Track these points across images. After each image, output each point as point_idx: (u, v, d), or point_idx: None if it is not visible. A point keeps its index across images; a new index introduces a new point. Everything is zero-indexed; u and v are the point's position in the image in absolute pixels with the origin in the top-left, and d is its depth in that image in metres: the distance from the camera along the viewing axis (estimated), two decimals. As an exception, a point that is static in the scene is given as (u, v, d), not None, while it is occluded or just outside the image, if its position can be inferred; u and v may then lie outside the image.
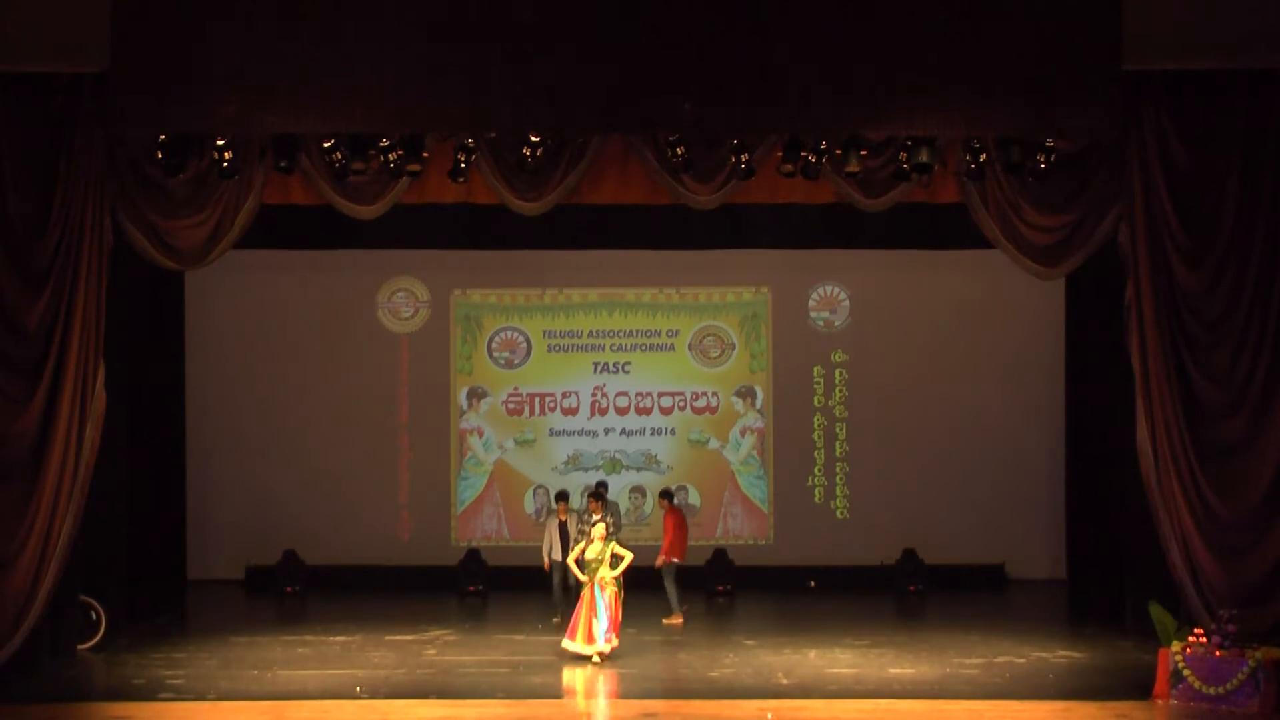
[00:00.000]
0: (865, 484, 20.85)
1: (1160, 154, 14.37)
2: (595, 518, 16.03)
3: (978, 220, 14.98)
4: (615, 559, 15.28)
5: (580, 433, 20.93)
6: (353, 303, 20.86)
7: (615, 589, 15.19)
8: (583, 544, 15.53)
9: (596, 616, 15.00)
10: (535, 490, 20.82)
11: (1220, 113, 14.33)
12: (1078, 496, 19.79)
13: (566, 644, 15.17)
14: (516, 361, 20.96)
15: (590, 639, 15.01)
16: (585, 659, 14.98)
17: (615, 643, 15.12)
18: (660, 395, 20.91)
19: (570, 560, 15.85)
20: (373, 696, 13.92)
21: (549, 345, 20.96)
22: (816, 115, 14.03)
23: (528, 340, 20.95)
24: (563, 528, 17.55)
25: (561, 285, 20.93)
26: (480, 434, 20.94)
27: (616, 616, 15.16)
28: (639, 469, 20.85)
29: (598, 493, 17.91)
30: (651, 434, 20.91)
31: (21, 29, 14.01)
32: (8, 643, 14.02)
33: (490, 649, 16.11)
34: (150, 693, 14.06)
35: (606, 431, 20.92)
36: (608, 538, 15.34)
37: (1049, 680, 14.57)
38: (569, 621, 15.38)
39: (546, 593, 17.74)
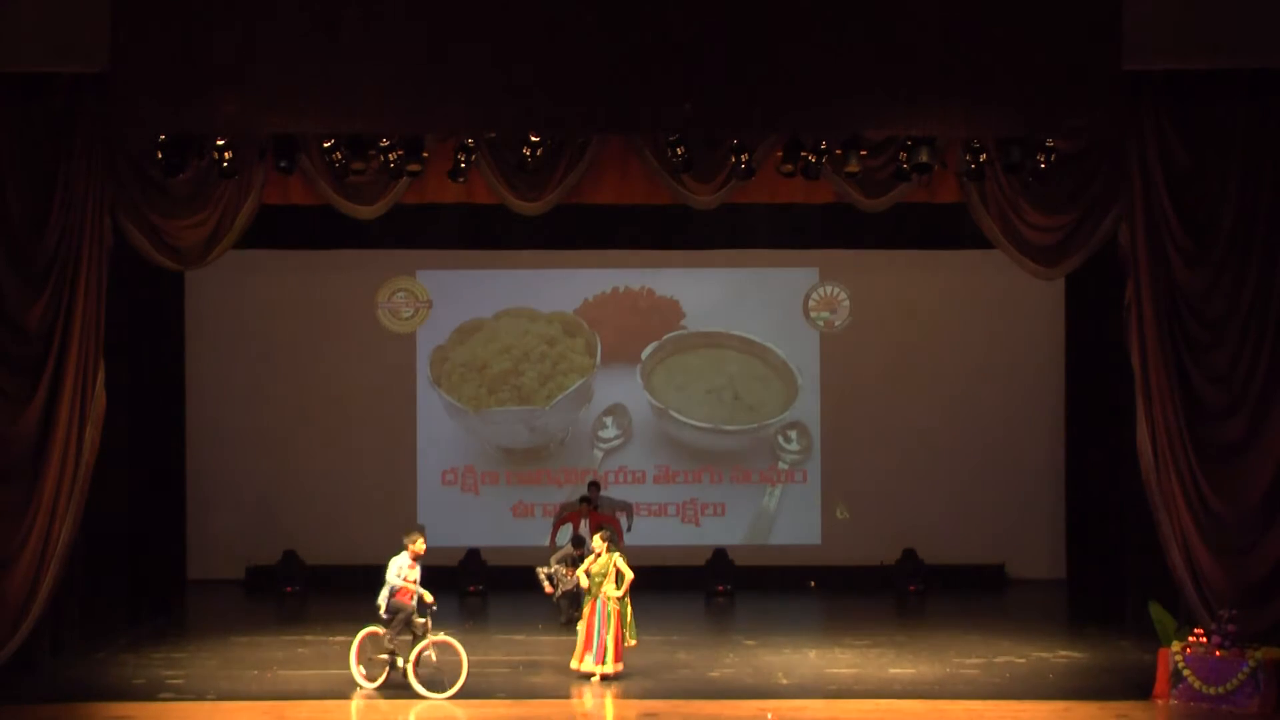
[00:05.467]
0: (865, 484, 20.84)
1: (1160, 154, 14.37)
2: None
3: (978, 220, 14.98)
4: (619, 576, 14.50)
5: (580, 433, 20.98)
6: (353, 303, 20.85)
7: (616, 607, 14.48)
8: (590, 558, 14.74)
9: (596, 635, 14.43)
10: (535, 490, 20.86)
11: (1220, 113, 14.33)
12: (1078, 496, 19.81)
13: (574, 664, 14.56)
14: (516, 361, 21.01)
15: (598, 659, 14.42)
16: (588, 677, 14.48)
17: (618, 667, 14.46)
18: (660, 395, 20.96)
19: (579, 572, 14.89)
20: (373, 696, 13.93)
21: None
22: (816, 115, 14.04)
23: (528, 340, 21.01)
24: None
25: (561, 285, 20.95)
26: (480, 434, 20.98)
27: (616, 638, 14.45)
28: (639, 469, 20.90)
29: (588, 497, 17.96)
30: (651, 434, 20.96)
31: (21, 29, 14.01)
32: (8, 643, 14.02)
33: (490, 649, 16.10)
34: (150, 693, 14.07)
35: (607, 431, 20.99)
36: (610, 550, 14.63)
37: (1049, 680, 14.58)
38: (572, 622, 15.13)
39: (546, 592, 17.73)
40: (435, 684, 13.95)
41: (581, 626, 14.67)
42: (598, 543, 14.68)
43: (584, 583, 14.70)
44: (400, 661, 14.12)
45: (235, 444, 20.60)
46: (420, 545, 14.27)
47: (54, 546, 14.17)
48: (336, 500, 20.61)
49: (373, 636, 14.36)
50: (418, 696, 13.86)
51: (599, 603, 14.50)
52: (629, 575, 14.53)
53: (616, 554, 14.64)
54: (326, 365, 20.76)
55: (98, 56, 13.86)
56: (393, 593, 14.18)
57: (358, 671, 14.28)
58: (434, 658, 14.08)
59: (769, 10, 13.83)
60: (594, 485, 18.58)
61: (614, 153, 15.10)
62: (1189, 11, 14.07)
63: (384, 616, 14.23)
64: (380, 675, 14.21)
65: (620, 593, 14.49)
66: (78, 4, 13.96)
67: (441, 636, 14.17)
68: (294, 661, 15.43)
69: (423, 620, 14.15)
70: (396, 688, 14.06)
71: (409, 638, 14.16)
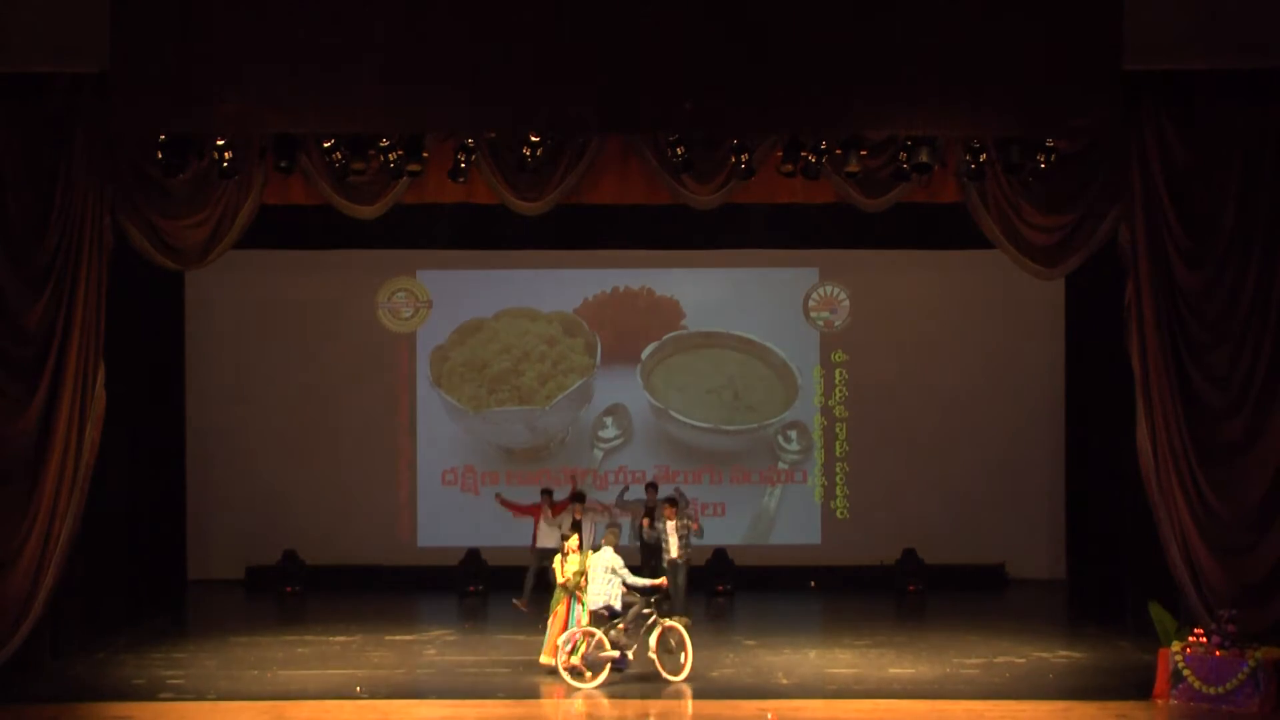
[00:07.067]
0: (865, 484, 20.85)
1: (1160, 154, 14.37)
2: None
3: (978, 220, 14.97)
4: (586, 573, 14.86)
5: (580, 433, 20.97)
6: (353, 303, 20.86)
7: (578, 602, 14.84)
8: (560, 559, 15.02)
9: (556, 632, 14.72)
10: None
11: (1220, 113, 14.32)
12: (1078, 496, 19.82)
13: (546, 659, 14.76)
14: (516, 361, 21.00)
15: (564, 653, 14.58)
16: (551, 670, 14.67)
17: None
18: (660, 395, 20.96)
19: (561, 571, 15.11)
20: (373, 696, 13.93)
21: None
22: (816, 115, 14.03)
23: (528, 340, 21.00)
24: (577, 525, 17.53)
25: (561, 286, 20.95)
26: (480, 434, 20.97)
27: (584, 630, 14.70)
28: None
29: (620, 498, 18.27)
30: (651, 434, 20.95)
31: (21, 29, 14.01)
32: (8, 643, 14.02)
33: (490, 649, 16.13)
34: (150, 693, 14.07)
35: (607, 431, 20.99)
36: (581, 550, 15.04)
37: (1049, 680, 14.58)
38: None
39: (546, 593, 17.73)
40: (671, 667, 14.45)
41: (553, 623, 14.85)
42: (573, 542, 15.04)
43: (560, 580, 14.88)
44: (631, 654, 14.45)
45: (235, 444, 20.61)
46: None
47: (54, 546, 14.17)
48: (336, 500, 20.62)
49: (583, 635, 14.46)
50: (661, 679, 14.33)
51: (572, 600, 14.79)
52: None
53: (588, 552, 15.00)
54: (327, 365, 20.77)
55: (98, 56, 13.85)
56: (629, 588, 14.54)
57: (568, 673, 14.31)
58: (671, 642, 14.51)
59: (769, 10, 13.83)
60: (651, 486, 18.76)
61: (614, 153, 15.09)
62: (1189, 11, 14.07)
63: (606, 613, 14.44)
64: (603, 671, 14.34)
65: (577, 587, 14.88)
66: (78, 4, 13.95)
67: (671, 621, 14.64)
68: (294, 661, 15.43)
69: (649, 610, 14.57)
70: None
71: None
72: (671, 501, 17.46)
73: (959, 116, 13.96)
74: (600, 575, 14.49)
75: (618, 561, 14.55)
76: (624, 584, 14.52)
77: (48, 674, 14.70)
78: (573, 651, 14.38)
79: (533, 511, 18.35)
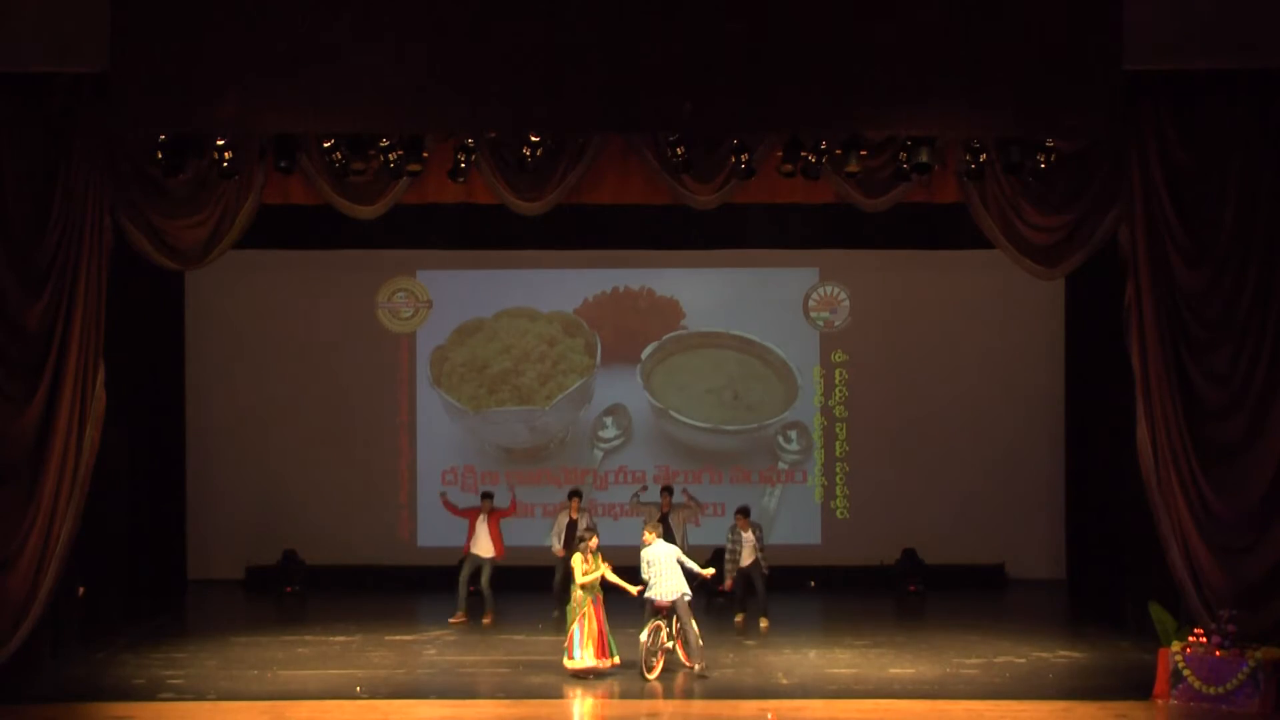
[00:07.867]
0: (865, 484, 20.84)
1: (1160, 154, 14.38)
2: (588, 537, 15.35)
3: (978, 220, 14.98)
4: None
5: (580, 433, 20.96)
6: (353, 303, 20.85)
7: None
8: (582, 558, 14.88)
9: (595, 632, 14.69)
10: (535, 490, 20.85)
11: (1220, 113, 14.33)
12: (1078, 496, 19.81)
13: (570, 663, 14.67)
14: (516, 361, 20.99)
15: (602, 653, 14.71)
16: (586, 674, 14.65)
17: (615, 660, 14.78)
18: (660, 395, 20.95)
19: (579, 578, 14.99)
20: (373, 696, 13.94)
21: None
22: (816, 115, 14.03)
23: (528, 340, 21.00)
24: (572, 525, 17.54)
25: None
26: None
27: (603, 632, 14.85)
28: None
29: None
30: (651, 434, 20.93)
31: (21, 29, 14.00)
32: (8, 643, 14.01)
33: (490, 649, 16.13)
34: (150, 693, 14.08)
35: (607, 431, 20.98)
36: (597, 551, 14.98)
37: (1049, 680, 14.59)
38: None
39: (546, 592, 17.76)
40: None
41: (584, 627, 14.66)
42: (594, 543, 14.92)
43: (587, 580, 14.75)
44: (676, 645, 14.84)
45: (235, 444, 20.60)
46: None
47: (54, 546, 14.16)
48: (336, 500, 20.61)
49: (657, 629, 14.64)
50: (665, 675, 14.62)
51: (594, 603, 14.71)
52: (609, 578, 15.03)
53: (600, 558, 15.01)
54: (326, 365, 20.76)
55: (98, 56, 13.84)
56: (694, 578, 14.94)
57: (644, 667, 14.58)
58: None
59: (769, 10, 13.83)
60: (667, 490, 18.61)
61: (614, 153, 15.10)
62: (1189, 11, 14.05)
63: (667, 605, 14.70)
64: (661, 661, 14.67)
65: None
66: (78, 4, 13.94)
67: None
68: (294, 661, 15.43)
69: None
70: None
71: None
72: (744, 512, 17.57)
73: (959, 116, 13.95)
74: (671, 567, 14.76)
75: (679, 551, 14.93)
76: (684, 571, 14.85)
77: (48, 674, 14.70)
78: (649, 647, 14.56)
79: (469, 515, 18.16)
